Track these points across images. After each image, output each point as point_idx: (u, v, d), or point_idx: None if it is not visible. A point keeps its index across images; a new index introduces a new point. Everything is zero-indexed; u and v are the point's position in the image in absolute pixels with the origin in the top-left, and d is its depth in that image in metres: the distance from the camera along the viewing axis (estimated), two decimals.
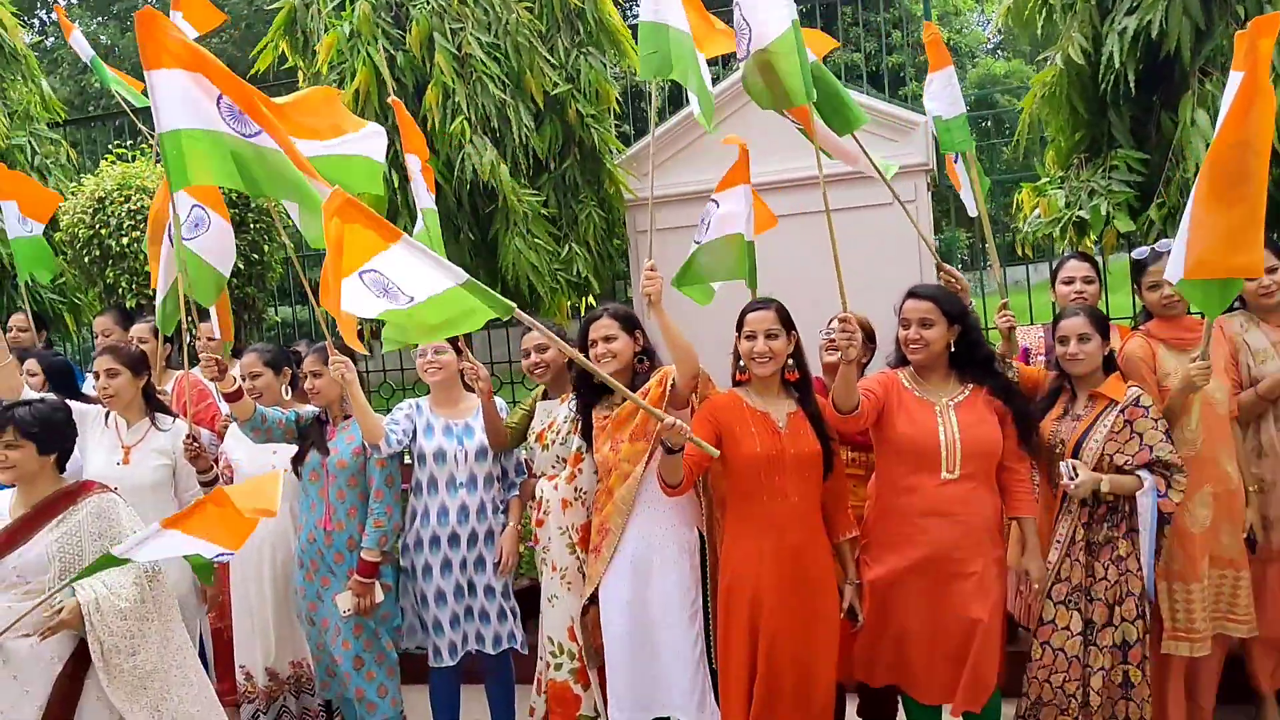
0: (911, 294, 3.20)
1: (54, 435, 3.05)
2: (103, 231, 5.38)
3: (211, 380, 3.53)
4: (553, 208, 5.37)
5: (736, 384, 3.26)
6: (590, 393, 3.41)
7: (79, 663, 2.93)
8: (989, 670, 3.08)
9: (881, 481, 3.28)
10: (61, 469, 3.11)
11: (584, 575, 3.43)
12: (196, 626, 3.81)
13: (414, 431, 3.74)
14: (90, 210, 5.44)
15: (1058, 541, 3.28)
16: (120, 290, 5.41)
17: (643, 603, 3.27)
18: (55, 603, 2.84)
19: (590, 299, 5.77)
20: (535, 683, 3.67)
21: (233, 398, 3.52)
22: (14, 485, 3.02)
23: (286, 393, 3.91)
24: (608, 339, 3.35)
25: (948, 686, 3.13)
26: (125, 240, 5.35)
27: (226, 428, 4.06)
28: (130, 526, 3.04)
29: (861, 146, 3.67)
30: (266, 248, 5.76)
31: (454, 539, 3.68)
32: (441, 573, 3.68)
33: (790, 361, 3.19)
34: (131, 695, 2.87)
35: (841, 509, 3.27)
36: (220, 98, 3.09)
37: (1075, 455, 3.25)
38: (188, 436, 3.72)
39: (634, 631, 3.27)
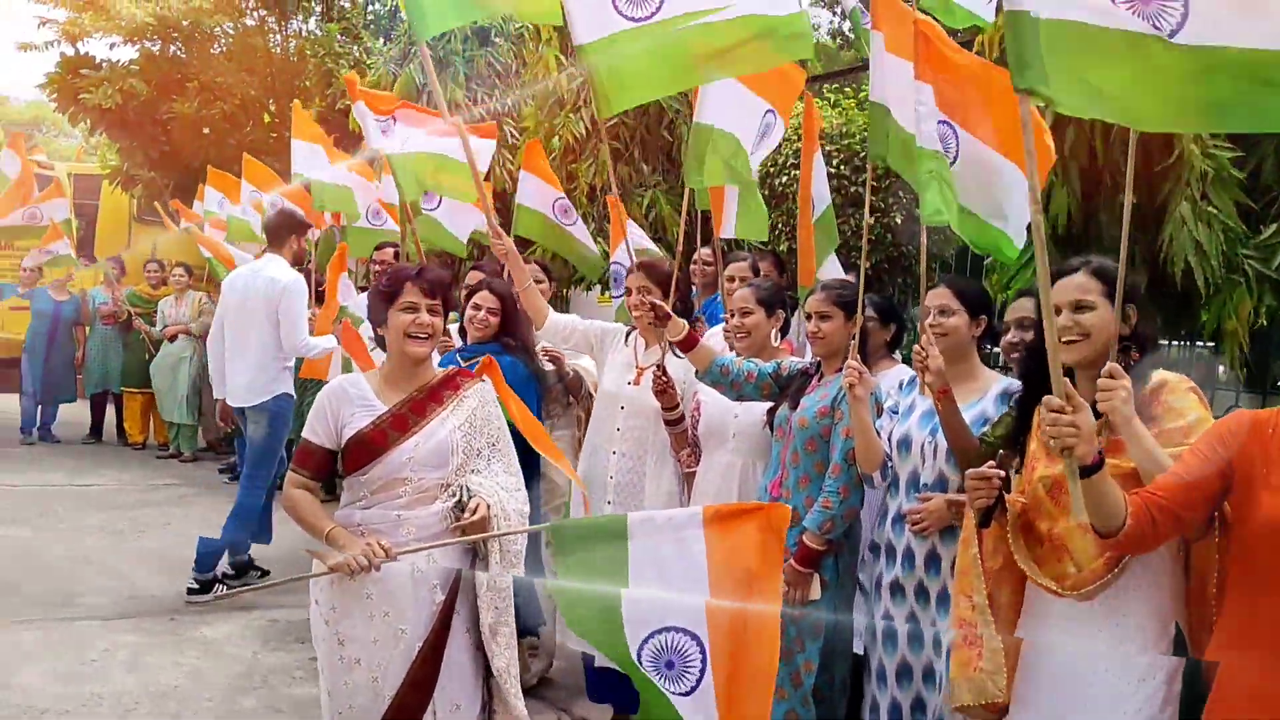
0: None
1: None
2: (772, 169, 5.35)
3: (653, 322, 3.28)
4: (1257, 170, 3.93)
5: None
6: (1038, 384, 2.21)
7: (454, 593, 2.62)
8: None
9: None
10: None
11: None
12: None
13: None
14: None
15: None
16: (777, 229, 5.24)
17: None
18: (464, 502, 2.58)
19: None
20: None
21: (685, 346, 3.24)
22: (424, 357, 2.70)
23: (776, 338, 3.46)
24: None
25: None
26: (784, 179, 5.28)
27: None
28: (502, 422, 2.77)
29: None
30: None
31: (908, 557, 2.86)
32: (892, 593, 2.90)
33: None
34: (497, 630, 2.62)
35: None
36: None
37: None
38: (658, 368, 3.49)
39: None
